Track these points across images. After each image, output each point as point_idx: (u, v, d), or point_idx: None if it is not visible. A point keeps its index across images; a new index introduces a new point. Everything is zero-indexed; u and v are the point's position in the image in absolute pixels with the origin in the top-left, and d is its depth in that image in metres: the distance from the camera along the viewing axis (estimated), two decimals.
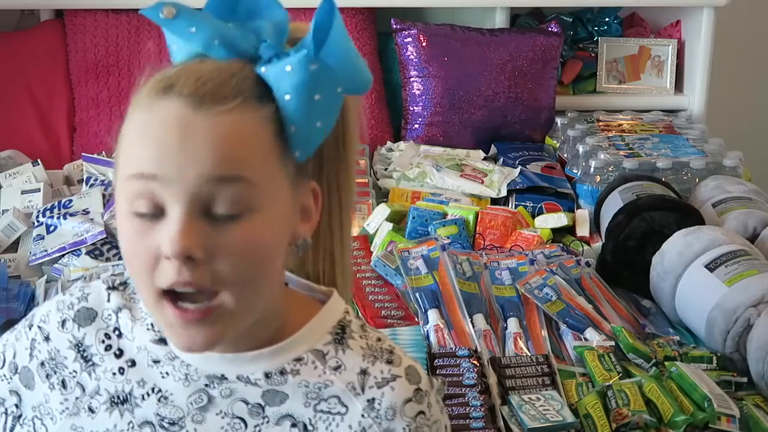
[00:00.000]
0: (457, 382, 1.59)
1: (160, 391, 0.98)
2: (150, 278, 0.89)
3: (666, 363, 1.70)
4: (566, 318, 1.82)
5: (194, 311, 0.89)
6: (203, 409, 0.97)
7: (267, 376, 0.97)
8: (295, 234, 0.96)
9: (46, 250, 2.06)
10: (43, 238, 2.10)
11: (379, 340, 1.00)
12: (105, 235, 2.06)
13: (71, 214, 2.14)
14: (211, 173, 0.87)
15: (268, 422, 0.96)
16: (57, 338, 1.02)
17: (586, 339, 1.79)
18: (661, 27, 3.00)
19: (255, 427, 0.96)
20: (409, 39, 2.71)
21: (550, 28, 2.81)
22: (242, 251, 0.89)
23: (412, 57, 2.71)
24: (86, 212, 2.15)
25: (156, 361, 0.99)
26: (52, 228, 2.12)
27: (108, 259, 2.05)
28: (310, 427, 0.96)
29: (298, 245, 0.97)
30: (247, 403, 0.96)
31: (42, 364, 1.02)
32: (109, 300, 1.02)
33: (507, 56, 2.72)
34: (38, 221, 2.15)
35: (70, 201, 2.20)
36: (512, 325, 1.82)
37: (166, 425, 0.97)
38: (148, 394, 0.98)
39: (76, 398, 1.00)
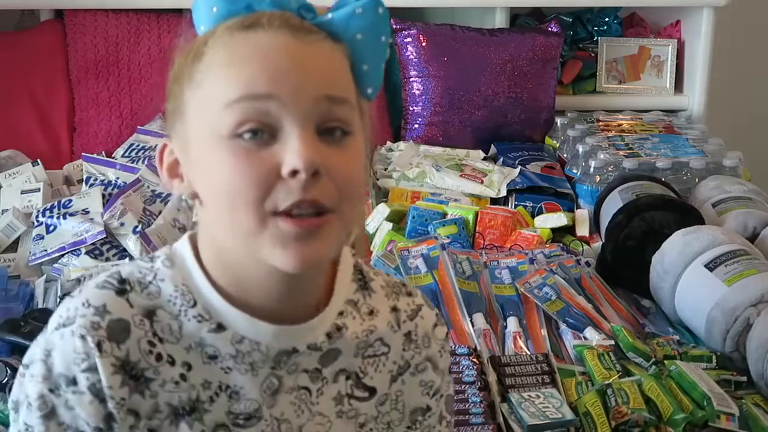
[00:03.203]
0: (456, 380, 1.59)
1: (228, 387, 0.93)
2: (259, 201, 0.87)
3: (666, 362, 1.70)
4: (566, 317, 1.82)
5: (312, 219, 0.88)
6: (276, 392, 0.95)
7: (329, 336, 0.97)
8: None
9: (45, 250, 2.06)
10: (42, 237, 2.10)
11: (387, 275, 1.06)
12: (105, 235, 2.05)
13: (71, 214, 2.14)
14: (326, 93, 0.89)
15: (327, 383, 0.98)
16: (101, 367, 0.89)
17: (585, 338, 1.79)
18: (661, 27, 3.01)
19: (317, 390, 0.98)
20: (409, 39, 2.72)
21: (550, 28, 2.81)
22: (349, 171, 0.91)
23: (412, 57, 2.71)
24: (86, 212, 2.15)
25: (212, 357, 0.93)
26: (51, 228, 2.12)
27: (108, 259, 2.05)
28: (361, 374, 1.00)
29: None
30: (307, 371, 0.97)
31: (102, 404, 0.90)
32: (131, 305, 0.92)
33: (507, 56, 2.72)
34: (38, 221, 2.15)
35: (70, 201, 2.20)
36: (512, 324, 1.81)
37: (241, 422, 0.94)
38: (217, 394, 0.93)
39: (130, 427, 0.90)
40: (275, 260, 0.89)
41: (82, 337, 0.88)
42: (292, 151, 0.86)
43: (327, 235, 0.89)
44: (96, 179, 2.32)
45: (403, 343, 1.02)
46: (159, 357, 0.91)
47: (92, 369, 0.88)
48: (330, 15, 0.93)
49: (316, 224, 0.88)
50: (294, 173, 0.86)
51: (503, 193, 2.41)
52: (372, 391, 1.00)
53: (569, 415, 1.53)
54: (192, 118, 0.92)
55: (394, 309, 1.02)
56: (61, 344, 0.90)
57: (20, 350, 1.63)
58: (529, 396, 1.57)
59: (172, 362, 0.91)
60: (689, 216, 2.08)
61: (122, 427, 0.90)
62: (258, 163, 0.87)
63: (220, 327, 0.93)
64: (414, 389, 1.03)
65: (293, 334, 0.95)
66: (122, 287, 0.92)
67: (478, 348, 1.72)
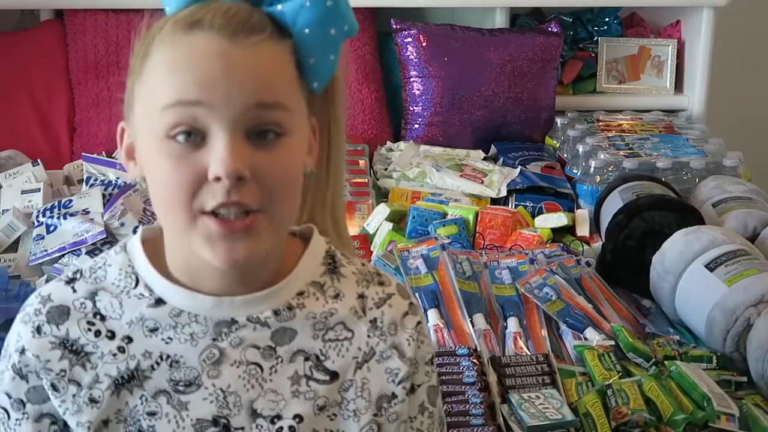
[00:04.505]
0: (456, 380, 1.59)
1: (168, 357, 0.99)
2: (188, 201, 0.93)
3: (666, 362, 1.70)
4: (566, 317, 1.82)
5: (238, 221, 0.93)
6: (217, 363, 1.00)
7: (276, 313, 1.01)
8: (305, 163, 1.02)
9: (46, 250, 2.06)
10: (43, 238, 2.10)
11: (363, 264, 1.08)
12: (105, 235, 2.06)
13: (71, 214, 2.14)
14: (256, 100, 0.93)
15: (282, 362, 1.01)
16: (36, 346, 1.00)
17: (585, 338, 1.79)
18: (661, 27, 3.01)
19: (271, 368, 1.01)
20: (409, 39, 2.72)
21: (550, 28, 2.81)
22: (280, 171, 0.95)
23: (412, 57, 2.71)
24: (86, 212, 2.15)
25: (153, 330, 1.00)
26: (52, 228, 2.12)
27: None
28: (322, 357, 1.02)
29: (306, 174, 1.02)
30: (258, 347, 1.00)
31: (37, 375, 1.00)
32: (75, 291, 1.02)
33: (507, 56, 2.72)
34: (38, 221, 2.15)
35: (70, 201, 2.20)
36: (512, 324, 1.81)
37: (181, 388, 0.99)
38: (158, 363, 0.99)
39: (73, 396, 0.99)
40: (207, 257, 0.95)
41: (25, 322, 1.01)
42: (216, 158, 0.92)
43: (256, 234, 0.94)
44: (96, 179, 2.32)
45: (368, 329, 1.04)
46: (98, 333, 1.00)
47: (20, 351, 1.00)
48: (280, 6, 0.97)
49: (242, 226, 0.93)
50: (218, 179, 0.92)
51: (503, 193, 2.41)
52: (333, 375, 1.02)
53: (569, 415, 1.53)
54: (138, 113, 0.98)
55: (361, 296, 1.05)
56: (12, 328, 1.02)
57: None
58: (530, 397, 1.57)
59: (112, 336, 1.00)
60: (689, 216, 2.08)
61: (65, 396, 0.99)
62: (188, 167, 0.93)
63: (159, 302, 1.00)
64: (379, 376, 1.04)
65: (232, 304, 0.99)
66: (73, 277, 1.03)
67: (479, 348, 1.72)
